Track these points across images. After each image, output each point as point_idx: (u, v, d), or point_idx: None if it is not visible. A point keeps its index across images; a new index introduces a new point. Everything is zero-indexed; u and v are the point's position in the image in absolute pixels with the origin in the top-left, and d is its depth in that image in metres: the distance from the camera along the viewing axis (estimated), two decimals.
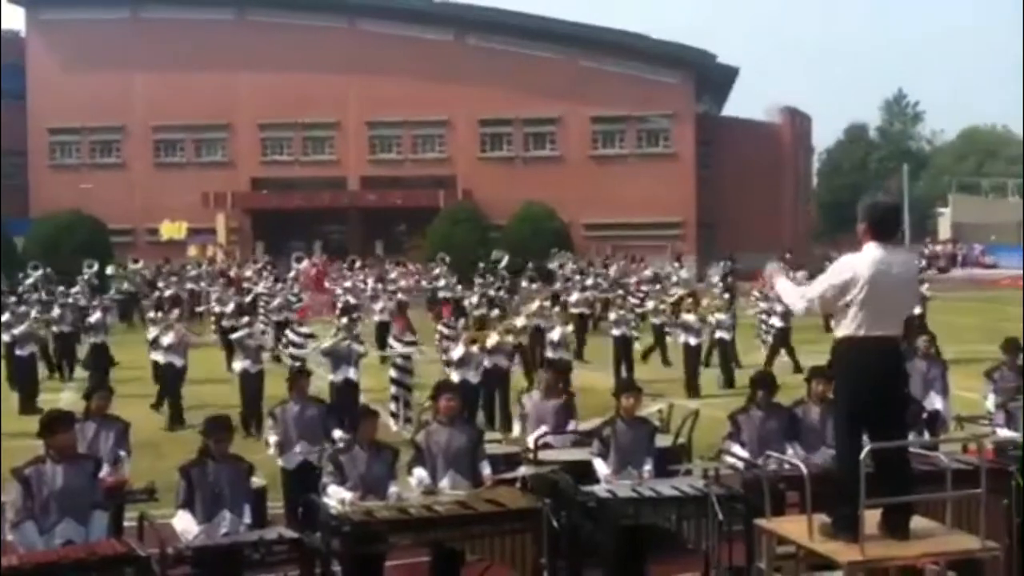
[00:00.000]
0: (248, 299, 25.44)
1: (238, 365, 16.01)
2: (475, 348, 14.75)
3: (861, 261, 5.95)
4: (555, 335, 17.81)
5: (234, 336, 17.16)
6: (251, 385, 15.32)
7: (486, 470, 8.03)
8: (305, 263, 37.87)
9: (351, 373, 14.65)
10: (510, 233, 47.37)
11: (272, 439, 9.58)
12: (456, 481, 7.89)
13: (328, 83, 50.87)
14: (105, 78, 49.64)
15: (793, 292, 6.35)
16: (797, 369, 17.94)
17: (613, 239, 47.76)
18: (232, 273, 36.31)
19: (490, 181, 50.50)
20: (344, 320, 16.07)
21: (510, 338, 16.00)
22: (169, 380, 16.85)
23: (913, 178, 67.17)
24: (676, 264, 36.46)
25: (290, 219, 52.17)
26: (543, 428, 9.87)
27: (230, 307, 22.93)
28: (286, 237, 51.77)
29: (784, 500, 7.81)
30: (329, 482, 7.63)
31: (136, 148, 53.63)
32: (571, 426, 10.00)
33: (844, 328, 5.96)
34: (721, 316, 20.13)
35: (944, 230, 61.65)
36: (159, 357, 17.50)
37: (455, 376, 14.07)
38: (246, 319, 17.53)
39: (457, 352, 14.66)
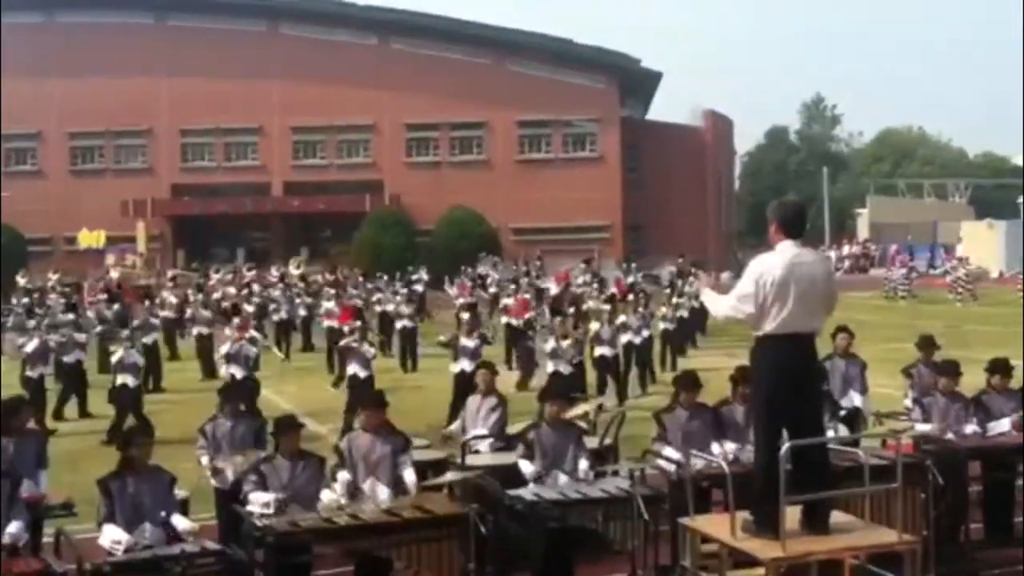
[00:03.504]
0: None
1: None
2: (566, 343, 16.08)
3: (774, 260, 6.07)
4: (548, 346, 16.93)
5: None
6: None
7: (410, 477, 7.98)
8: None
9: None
10: (438, 238, 47.35)
11: (204, 459, 9.24)
12: (376, 488, 7.84)
13: (250, 88, 50.25)
14: (19, 83, 48.22)
15: (719, 301, 6.37)
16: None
17: (541, 243, 47.95)
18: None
19: (417, 186, 50.34)
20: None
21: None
22: None
23: (833, 180, 68.55)
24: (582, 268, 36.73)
25: (213, 226, 51.43)
26: (479, 430, 9.88)
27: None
28: (209, 245, 51.06)
29: (710, 499, 7.91)
30: (251, 490, 7.52)
31: (52, 155, 52.42)
32: (494, 418, 10.01)
33: (761, 327, 6.06)
34: (630, 318, 20.20)
35: (863, 231, 63.00)
36: None
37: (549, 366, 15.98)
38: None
39: (549, 345, 16.33)
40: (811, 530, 5.98)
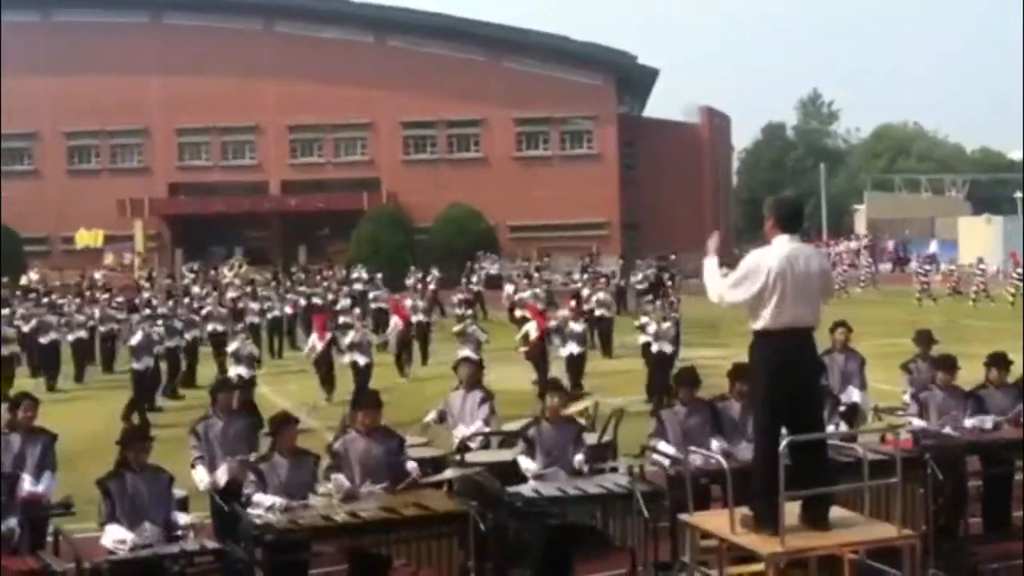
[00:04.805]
0: None
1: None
2: (666, 325, 17.28)
3: (770, 254, 6.06)
4: (649, 328, 17.80)
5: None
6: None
7: (411, 464, 7.96)
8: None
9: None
10: (436, 236, 47.35)
11: (200, 468, 9.00)
12: (372, 491, 7.80)
13: (247, 86, 50.17)
14: (15, 83, 48.12)
15: (720, 282, 6.25)
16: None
17: (539, 240, 47.95)
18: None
19: (414, 183, 50.31)
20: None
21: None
22: None
23: (830, 176, 68.50)
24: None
25: (210, 225, 51.36)
26: (474, 426, 9.84)
27: None
28: (206, 243, 51.00)
29: (709, 495, 7.90)
30: (253, 491, 7.50)
31: (49, 154, 52.35)
32: (484, 412, 9.96)
33: (758, 321, 6.05)
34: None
35: (860, 226, 62.96)
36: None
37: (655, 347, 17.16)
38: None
39: (652, 327, 17.42)
40: (810, 525, 5.98)
